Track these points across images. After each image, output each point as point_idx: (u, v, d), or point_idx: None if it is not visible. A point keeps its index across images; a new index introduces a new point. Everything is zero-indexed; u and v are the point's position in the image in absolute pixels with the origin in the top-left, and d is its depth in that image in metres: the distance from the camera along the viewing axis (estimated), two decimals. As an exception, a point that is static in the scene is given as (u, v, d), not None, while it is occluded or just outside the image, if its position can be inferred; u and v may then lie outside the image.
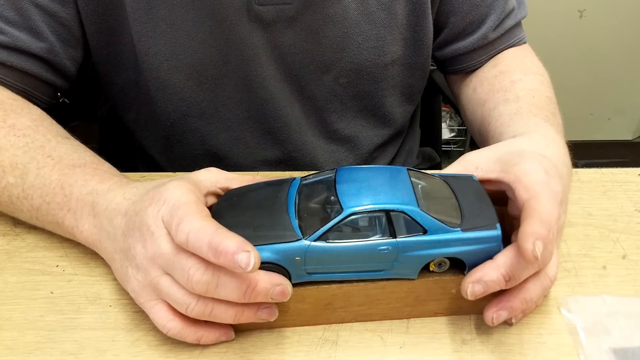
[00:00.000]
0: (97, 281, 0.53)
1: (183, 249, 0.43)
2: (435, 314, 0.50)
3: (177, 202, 0.44)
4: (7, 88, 0.63)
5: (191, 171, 0.73)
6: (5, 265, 0.54)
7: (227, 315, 0.44)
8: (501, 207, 0.51)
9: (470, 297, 0.45)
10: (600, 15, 1.90)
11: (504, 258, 0.45)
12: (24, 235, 0.57)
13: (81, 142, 0.59)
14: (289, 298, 0.44)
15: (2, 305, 0.50)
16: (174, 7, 0.64)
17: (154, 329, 0.48)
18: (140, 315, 0.49)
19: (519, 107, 0.64)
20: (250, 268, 0.40)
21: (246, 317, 0.45)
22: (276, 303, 0.45)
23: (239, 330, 0.48)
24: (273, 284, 0.43)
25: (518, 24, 0.76)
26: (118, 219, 0.48)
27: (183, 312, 0.44)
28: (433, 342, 0.48)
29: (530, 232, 0.43)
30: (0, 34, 0.61)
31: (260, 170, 0.76)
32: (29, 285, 0.52)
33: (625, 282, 0.54)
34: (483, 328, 0.49)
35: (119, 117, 0.79)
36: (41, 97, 0.66)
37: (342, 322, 0.49)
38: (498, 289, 0.45)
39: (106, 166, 0.56)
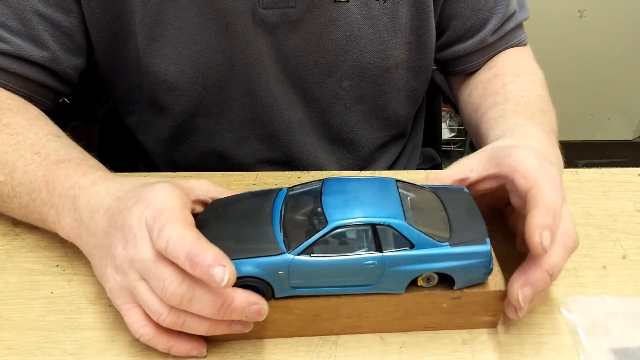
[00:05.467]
0: (97, 281, 0.52)
1: (163, 256, 0.42)
2: (425, 328, 0.49)
3: (162, 206, 0.43)
4: (11, 92, 0.64)
5: (196, 170, 0.73)
6: (5, 265, 0.54)
7: (199, 328, 0.44)
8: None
9: (522, 304, 0.44)
10: (600, 15, 1.90)
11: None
12: (24, 235, 0.57)
13: (74, 141, 0.59)
14: (264, 318, 0.43)
15: (2, 305, 0.51)
16: (181, 12, 0.65)
17: (154, 329, 0.48)
18: (140, 315, 0.49)
19: (504, 109, 0.65)
20: (224, 283, 0.39)
21: (220, 330, 0.45)
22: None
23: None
24: (249, 303, 0.43)
25: (519, 26, 0.76)
26: (99, 214, 0.48)
27: (155, 320, 0.44)
28: (433, 342, 0.48)
29: (536, 223, 0.43)
30: (4, 42, 0.62)
31: (263, 170, 0.76)
32: (29, 285, 0.52)
33: (625, 282, 0.54)
34: (483, 328, 0.49)
35: (120, 120, 0.79)
36: (43, 101, 0.67)
37: (331, 334, 0.48)
38: (545, 286, 0.45)
39: (92, 162, 0.55)
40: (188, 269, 0.40)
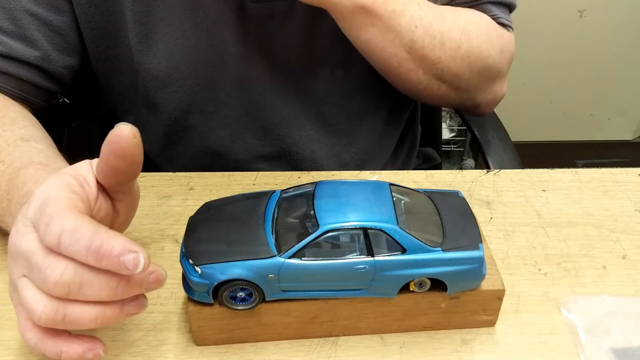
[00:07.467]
0: (97, 281, 0.52)
1: (49, 250, 0.38)
2: (424, 329, 0.49)
3: (46, 197, 0.39)
4: (4, 93, 0.63)
5: (192, 169, 0.72)
6: (5, 265, 0.54)
7: (85, 320, 0.38)
8: None
9: None
10: (600, 15, 1.90)
11: None
12: (24, 236, 0.57)
13: (49, 141, 0.57)
14: (164, 284, 0.39)
15: (2, 305, 0.50)
16: (172, 7, 0.65)
17: (153, 328, 0.48)
18: (141, 315, 0.49)
19: None
20: (139, 269, 0.36)
21: (110, 317, 0.39)
22: (257, 316, 0.44)
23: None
24: (147, 273, 0.38)
25: (499, 4, 0.72)
26: None
27: (35, 320, 0.38)
28: (433, 342, 0.48)
29: None
30: None
31: (259, 166, 0.76)
32: (29, 285, 0.52)
33: (625, 282, 0.54)
34: (483, 328, 0.49)
35: (119, 121, 0.79)
36: (36, 101, 0.67)
37: (329, 336, 0.48)
38: None
39: (56, 165, 0.52)
40: (92, 263, 0.36)
